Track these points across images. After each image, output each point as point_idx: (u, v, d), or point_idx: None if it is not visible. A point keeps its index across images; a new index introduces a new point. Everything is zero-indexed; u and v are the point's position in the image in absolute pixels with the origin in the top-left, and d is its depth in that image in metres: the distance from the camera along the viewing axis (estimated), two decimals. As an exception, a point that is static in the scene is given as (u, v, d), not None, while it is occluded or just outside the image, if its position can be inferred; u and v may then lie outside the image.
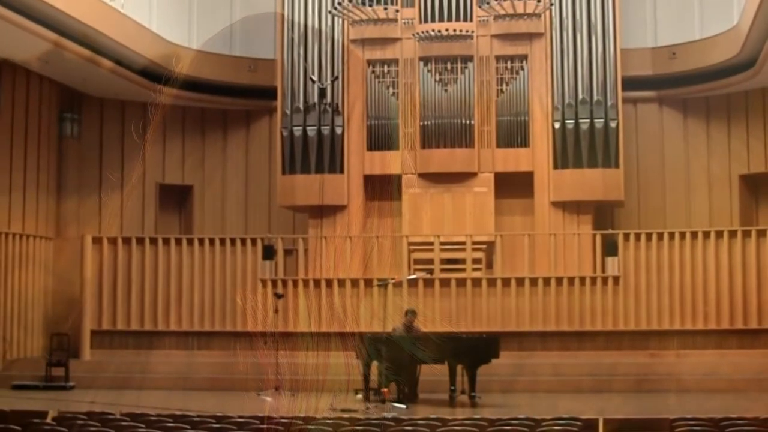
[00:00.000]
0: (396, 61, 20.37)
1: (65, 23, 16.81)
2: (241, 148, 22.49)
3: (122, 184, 21.09)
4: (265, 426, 10.32)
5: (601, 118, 19.59)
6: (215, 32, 21.53)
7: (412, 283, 18.64)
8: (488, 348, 15.57)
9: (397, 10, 20.23)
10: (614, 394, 16.50)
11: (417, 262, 19.52)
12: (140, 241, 19.73)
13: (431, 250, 19.43)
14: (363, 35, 20.33)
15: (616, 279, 18.77)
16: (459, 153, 19.92)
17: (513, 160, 19.99)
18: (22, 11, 15.93)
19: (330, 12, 20.33)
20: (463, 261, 19.39)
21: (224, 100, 22.00)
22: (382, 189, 19.83)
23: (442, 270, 19.30)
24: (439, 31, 19.93)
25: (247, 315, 18.57)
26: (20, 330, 19.01)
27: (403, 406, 14.81)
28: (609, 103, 19.64)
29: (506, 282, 18.90)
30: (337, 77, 20.32)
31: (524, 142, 20.01)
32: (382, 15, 20.17)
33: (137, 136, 19.59)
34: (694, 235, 18.88)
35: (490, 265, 19.55)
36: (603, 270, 19.01)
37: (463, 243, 19.38)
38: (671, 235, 18.92)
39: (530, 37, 20.10)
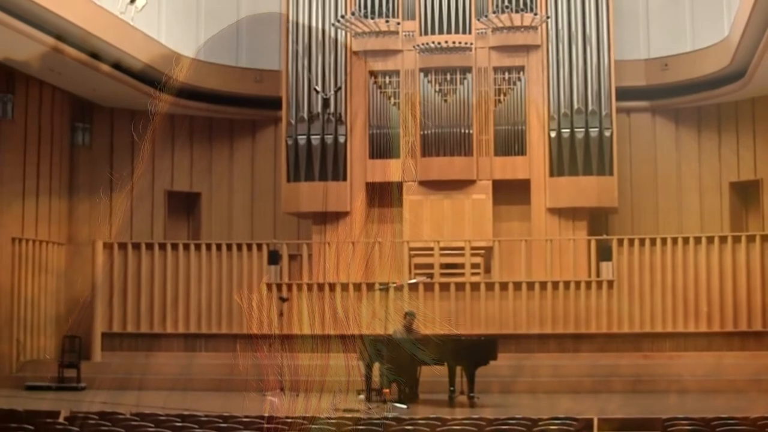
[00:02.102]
0: (397, 72, 20.37)
1: (75, 34, 16.86)
2: (247, 157, 22.49)
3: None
4: (270, 426, 10.31)
5: (595, 127, 19.60)
6: (222, 46, 21.56)
7: (413, 287, 18.63)
8: (486, 350, 15.57)
9: (399, 23, 20.24)
10: (609, 395, 16.48)
11: (417, 266, 19.52)
12: (149, 246, 19.76)
13: (431, 255, 19.43)
14: (365, 47, 20.33)
15: (610, 283, 18.77)
16: (458, 161, 19.92)
17: (510, 167, 19.99)
18: (39, 26, 16.03)
19: (333, 25, 20.35)
20: (462, 266, 19.39)
21: (231, 110, 22.01)
22: (383, 196, 19.83)
23: (442, 274, 19.30)
24: (439, 43, 19.95)
25: (253, 317, 18.57)
26: (33, 333, 19.01)
27: (404, 405, 14.80)
28: (603, 113, 19.65)
29: (504, 286, 18.90)
30: (340, 88, 20.35)
31: (521, 151, 20.01)
32: (383, 27, 20.18)
33: (137, 137, 19.50)
34: (686, 240, 18.90)
35: (488, 270, 19.54)
36: (598, 274, 19.01)
37: (462, 248, 19.39)
38: (663, 241, 18.94)
39: (527, 49, 20.10)
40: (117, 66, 18.59)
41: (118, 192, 20.31)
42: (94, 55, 17.79)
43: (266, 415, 11.03)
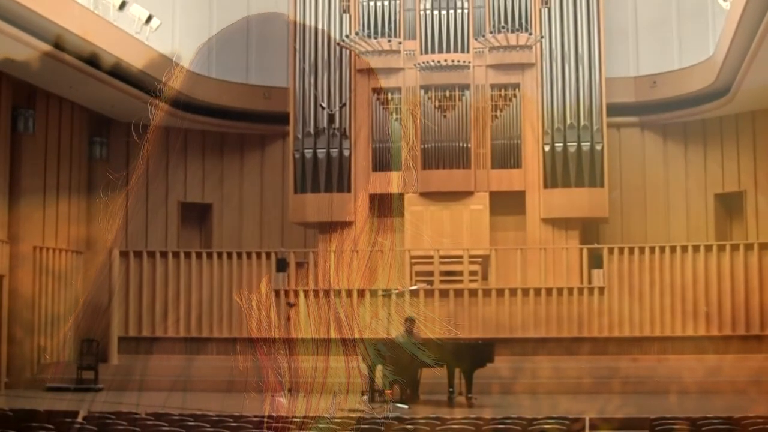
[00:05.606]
0: (399, 89, 20.41)
1: (85, 48, 16.93)
2: (256, 170, 22.53)
3: (146, 201, 21.18)
4: (277, 425, 10.31)
5: (587, 141, 19.64)
6: (233, 64, 21.63)
7: (414, 293, 18.63)
8: (484, 353, 15.56)
9: (400, 42, 20.29)
10: (601, 396, 16.46)
11: (418, 274, 19.52)
12: (164, 254, 19.77)
13: (431, 263, 19.45)
14: (368, 65, 20.38)
15: (601, 289, 18.78)
16: (457, 173, 19.94)
17: (506, 180, 20.02)
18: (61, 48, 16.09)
19: (338, 44, 20.40)
20: (460, 273, 19.40)
21: (241, 125, 22.05)
22: (386, 206, 19.85)
23: (441, 281, 19.32)
24: (439, 62, 19.99)
25: (259, 321, 18.56)
26: (53, 337, 19.00)
27: (406, 406, 14.79)
28: (595, 128, 19.69)
29: (500, 292, 18.91)
30: (344, 104, 20.39)
31: (517, 164, 20.04)
32: (386, 47, 20.23)
33: (137, 138, 19.48)
34: (673, 249, 18.91)
35: (485, 277, 19.55)
36: (589, 281, 19.02)
37: (461, 256, 19.40)
38: (652, 249, 18.95)
39: (522, 67, 20.15)
40: (131, 82, 18.62)
41: (119, 194, 20.28)
42: (96, 64, 17.76)
43: (274, 414, 11.03)
